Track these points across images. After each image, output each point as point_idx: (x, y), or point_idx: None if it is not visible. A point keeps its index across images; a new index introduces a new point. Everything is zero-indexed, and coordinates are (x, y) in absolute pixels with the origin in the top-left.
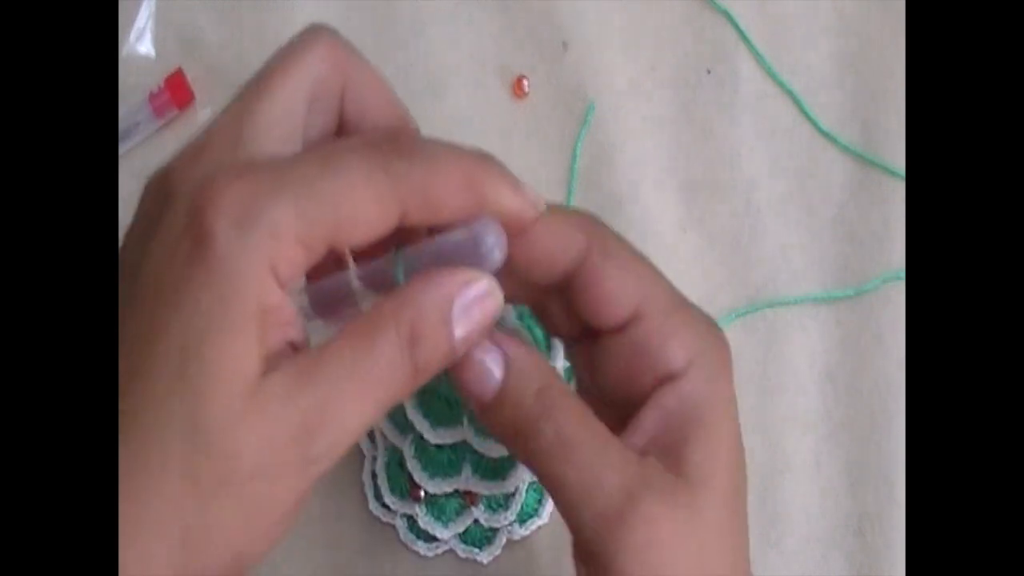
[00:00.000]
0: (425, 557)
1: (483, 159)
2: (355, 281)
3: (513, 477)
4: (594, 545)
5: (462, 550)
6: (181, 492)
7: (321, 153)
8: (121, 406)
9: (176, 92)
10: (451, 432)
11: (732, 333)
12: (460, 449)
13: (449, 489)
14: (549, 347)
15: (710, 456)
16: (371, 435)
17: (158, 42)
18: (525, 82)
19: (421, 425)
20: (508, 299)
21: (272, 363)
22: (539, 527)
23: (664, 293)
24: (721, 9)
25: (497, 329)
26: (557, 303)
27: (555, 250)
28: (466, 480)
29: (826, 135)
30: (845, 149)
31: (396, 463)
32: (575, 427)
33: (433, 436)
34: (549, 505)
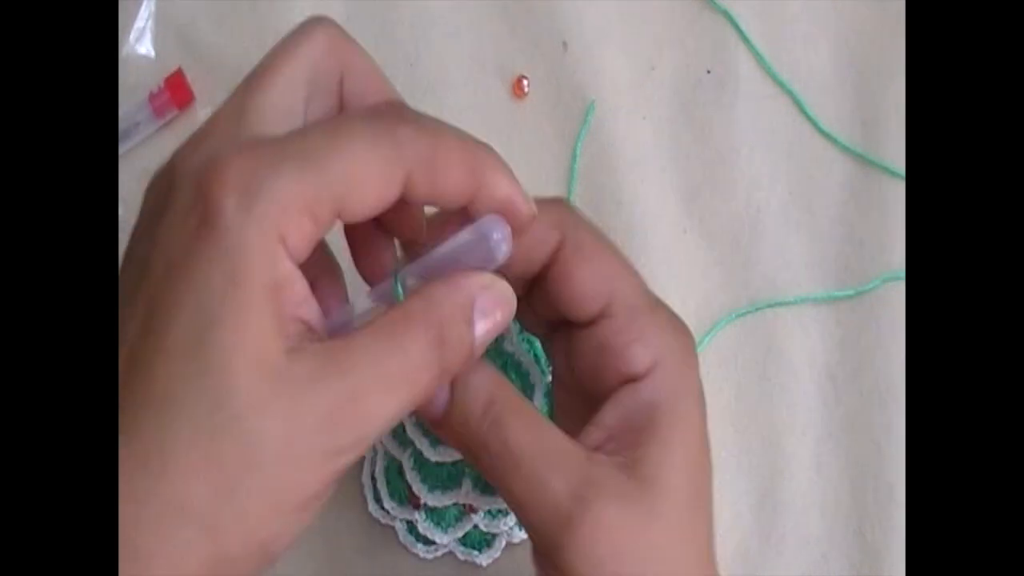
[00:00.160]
0: (424, 559)
1: (484, 144)
2: (366, 303)
3: None
4: (546, 548)
5: (461, 552)
6: (206, 477)
7: (325, 124)
8: (135, 391)
9: (176, 92)
10: (450, 451)
11: (732, 333)
12: (460, 464)
13: (449, 502)
14: (548, 362)
15: (666, 458)
16: None
17: (158, 42)
18: (525, 82)
19: (421, 443)
20: None
21: (293, 343)
22: None
23: (633, 291)
24: (721, 9)
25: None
26: (533, 294)
27: (531, 247)
28: (466, 494)
29: (826, 135)
30: (845, 149)
31: (395, 470)
32: (522, 437)
33: (433, 454)
34: None
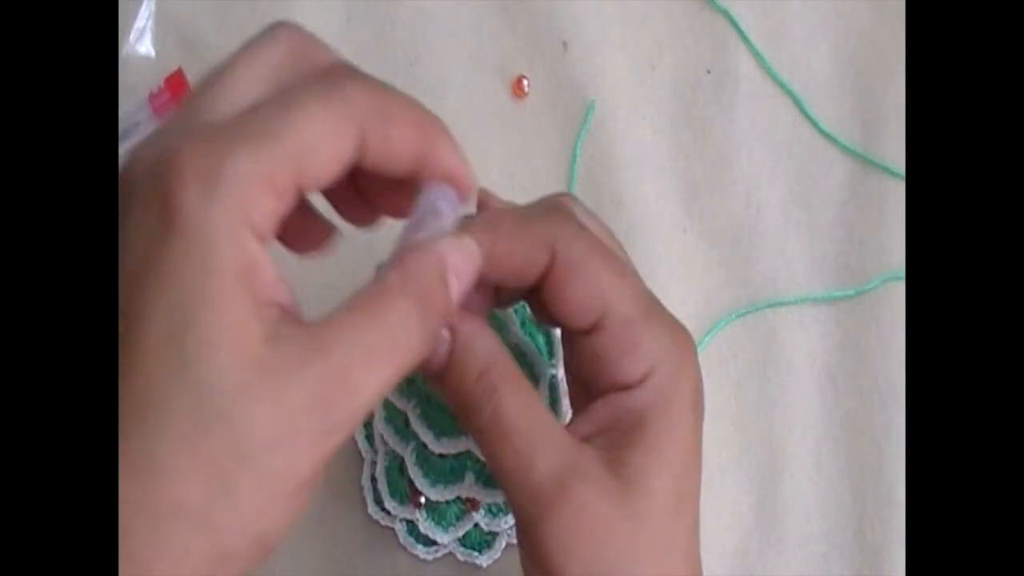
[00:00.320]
0: (424, 560)
1: (430, 112)
2: None
3: None
4: (526, 526)
5: (461, 553)
6: (197, 476)
7: (274, 96)
8: (121, 395)
9: (176, 92)
10: (455, 442)
11: (732, 333)
12: (463, 457)
13: (451, 496)
14: (551, 353)
15: (652, 462)
16: (371, 439)
17: (158, 42)
18: (525, 82)
19: (425, 436)
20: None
21: (271, 329)
22: None
23: (627, 303)
24: (721, 9)
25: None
26: (533, 301)
27: (522, 267)
28: (468, 487)
29: (826, 135)
30: (845, 149)
31: (396, 468)
32: (514, 411)
33: (437, 446)
34: None
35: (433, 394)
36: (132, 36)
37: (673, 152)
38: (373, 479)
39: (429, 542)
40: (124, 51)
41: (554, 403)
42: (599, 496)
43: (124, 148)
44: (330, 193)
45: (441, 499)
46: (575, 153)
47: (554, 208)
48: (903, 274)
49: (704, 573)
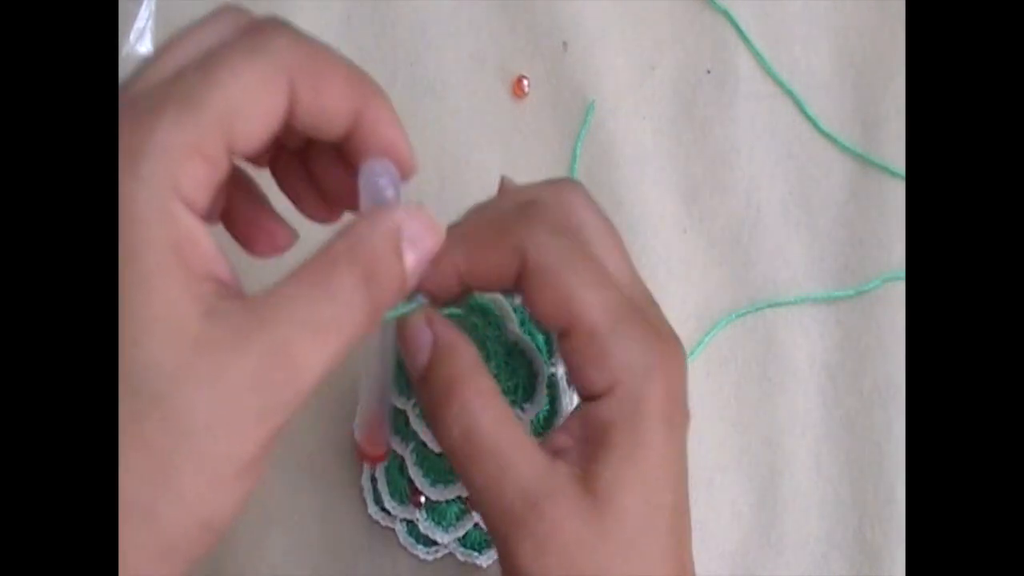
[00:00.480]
0: (424, 560)
1: (367, 74)
2: None
3: None
4: (499, 544)
5: (461, 553)
6: (136, 466)
7: (198, 59)
8: None
9: None
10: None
11: (732, 333)
12: None
13: (451, 496)
14: (551, 352)
15: (621, 476)
16: None
17: (158, 42)
18: (525, 82)
19: (425, 435)
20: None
21: (208, 304)
22: None
23: (595, 312)
24: (721, 9)
25: (446, 314)
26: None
27: (497, 275)
28: None
29: (826, 135)
30: (845, 149)
31: (396, 468)
32: (484, 430)
33: (437, 445)
34: None
35: None
36: (132, 36)
37: (673, 152)
38: (373, 479)
39: (429, 542)
40: (124, 51)
41: (553, 401)
42: (570, 513)
43: None
44: (285, 184)
45: (441, 499)
46: (575, 153)
47: (531, 209)
48: (903, 274)
49: (704, 573)
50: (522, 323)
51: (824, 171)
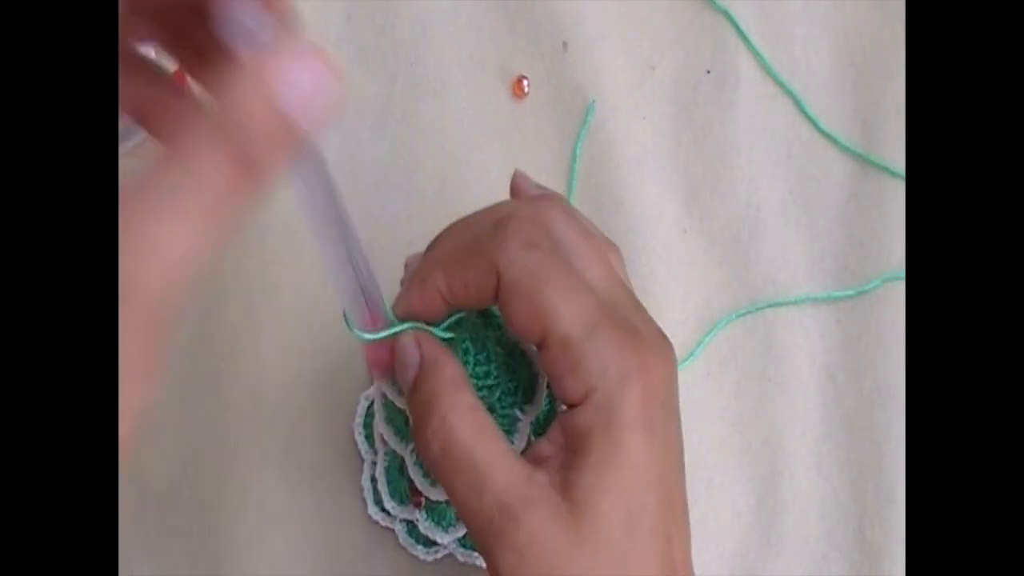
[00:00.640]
0: (424, 561)
1: None
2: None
3: None
4: (483, 554)
5: (461, 554)
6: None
7: None
8: None
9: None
10: None
11: (732, 333)
12: None
13: None
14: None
15: (599, 482)
16: (371, 440)
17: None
18: (525, 82)
19: None
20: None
21: None
22: None
23: (568, 322)
24: (721, 9)
25: (443, 326)
26: None
27: (477, 294)
28: None
29: (826, 135)
30: (845, 149)
31: (396, 468)
32: (463, 443)
33: None
34: None
35: None
36: None
37: (673, 152)
38: (373, 479)
39: (429, 543)
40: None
41: (553, 402)
42: (550, 522)
43: (124, 148)
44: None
45: (441, 499)
46: (575, 153)
47: (503, 225)
48: (903, 274)
49: (704, 573)
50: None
51: (824, 171)
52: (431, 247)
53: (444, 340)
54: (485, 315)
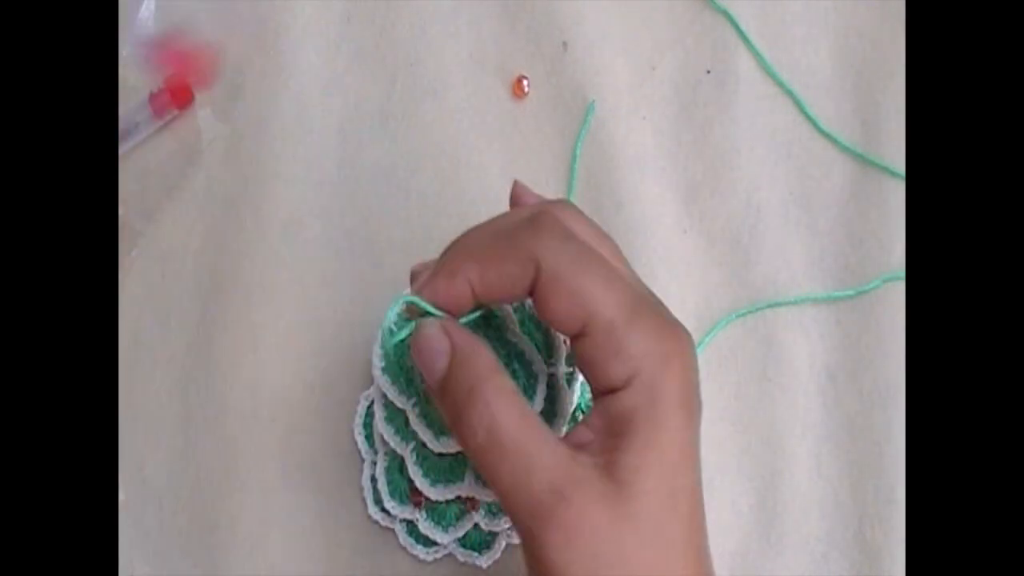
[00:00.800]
0: (424, 561)
1: None
2: None
3: None
4: (527, 540)
5: (461, 554)
6: None
7: None
8: None
9: (176, 92)
10: (454, 442)
11: (732, 333)
12: (462, 457)
13: (451, 496)
14: (550, 352)
15: (643, 462)
16: (371, 439)
17: (160, 28)
18: (525, 82)
19: (425, 435)
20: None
21: None
22: None
23: (610, 308)
24: (721, 9)
25: (461, 322)
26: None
27: (512, 287)
28: (468, 487)
29: (826, 135)
30: (845, 149)
31: (396, 468)
32: (508, 429)
33: (437, 445)
34: None
35: (433, 397)
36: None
37: (673, 152)
38: (373, 479)
39: (429, 543)
40: (124, 51)
41: (552, 402)
42: (595, 502)
43: (124, 148)
44: None
45: (441, 499)
46: (575, 153)
47: (538, 219)
48: (903, 274)
49: None
50: (521, 324)
51: (824, 171)
52: (450, 250)
53: None
54: (484, 316)
